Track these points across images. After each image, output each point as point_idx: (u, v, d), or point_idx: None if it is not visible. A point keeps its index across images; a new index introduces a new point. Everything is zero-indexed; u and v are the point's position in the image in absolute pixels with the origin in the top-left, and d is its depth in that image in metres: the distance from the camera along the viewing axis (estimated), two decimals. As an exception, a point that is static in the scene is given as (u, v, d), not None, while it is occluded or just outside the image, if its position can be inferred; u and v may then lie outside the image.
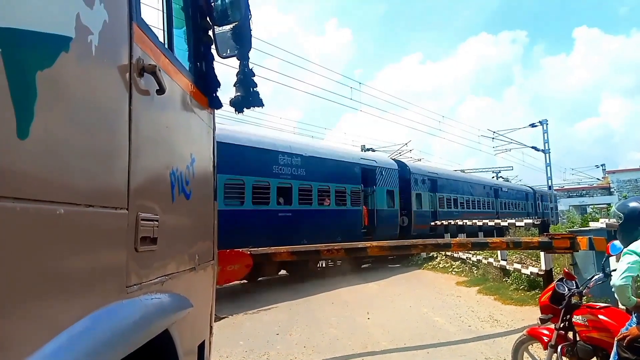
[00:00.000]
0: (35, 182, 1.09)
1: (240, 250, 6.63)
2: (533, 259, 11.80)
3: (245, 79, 2.93)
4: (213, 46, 2.82)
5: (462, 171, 35.64)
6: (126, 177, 1.55)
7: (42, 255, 1.11)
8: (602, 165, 59.76)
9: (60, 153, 1.20)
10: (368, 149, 34.99)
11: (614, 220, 3.56)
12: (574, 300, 3.83)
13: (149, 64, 1.72)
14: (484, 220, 15.50)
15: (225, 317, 7.32)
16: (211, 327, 2.95)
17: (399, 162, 21.25)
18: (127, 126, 1.57)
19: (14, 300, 1.01)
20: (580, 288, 3.88)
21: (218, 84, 2.78)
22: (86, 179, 1.33)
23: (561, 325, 3.82)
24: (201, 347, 2.54)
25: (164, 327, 1.77)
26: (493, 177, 42.48)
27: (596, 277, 3.89)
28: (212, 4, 2.72)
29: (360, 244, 8.24)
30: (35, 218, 1.08)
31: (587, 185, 59.54)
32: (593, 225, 9.75)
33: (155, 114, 1.91)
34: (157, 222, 1.79)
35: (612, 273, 3.51)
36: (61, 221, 1.17)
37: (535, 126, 38.19)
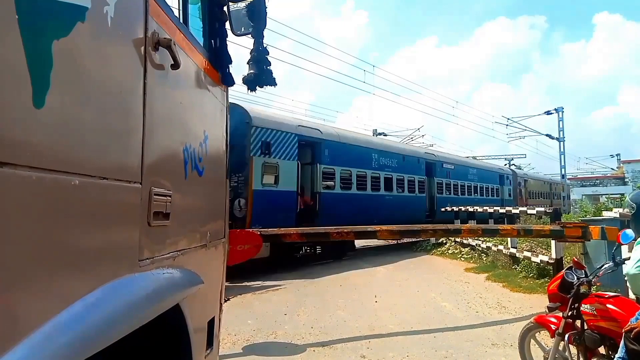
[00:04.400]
0: (50, 152, 1.09)
1: (250, 230, 6.67)
2: (543, 247, 11.75)
3: (259, 57, 2.91)
4: (227, 23, 2.80)
5: (474, 158, 36.61)
6: (140, 150, 1.55)
7: (57, 225, 1.12)
8: (617, 155, 59.00)
9: (75, 123, 1.20)
10: (380, 134, 34.86)
11: (627, 210, 3.54)
12: (582, 289, 3.80)
13: (164, 38, 1.71)
14: (495, 207, 15.62)
15: (227, 300, 7.38)
16: (221, 304, 2.98)
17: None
18: (142, 100, 1.57)
19: (28, 270, 1.02)
20: (590, 277, 3.85)
21: (230, 60, 2.76)
22: (100, 150, 1.33)
23: (569, 314, 3.79)
24: (211, 324, 2.56)
25: (175, 302, 1.78)
26: (505, 165, 42.33)
27: (606, 265, 3.85)
28: None
29: (370, 228, 8.22)
30: (50, 187, 1.08)
31: (600, 175, 58.86)
32: (606, 214, 9.65)
33: (169, 88, 1.90)
34: (169, 198, 1.80)
35: (626, 262, 3.48)
36: (76, 192, 1.17)
37: (551, 114, 37.68)
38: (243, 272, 10.09)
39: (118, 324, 1.32)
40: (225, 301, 3.92)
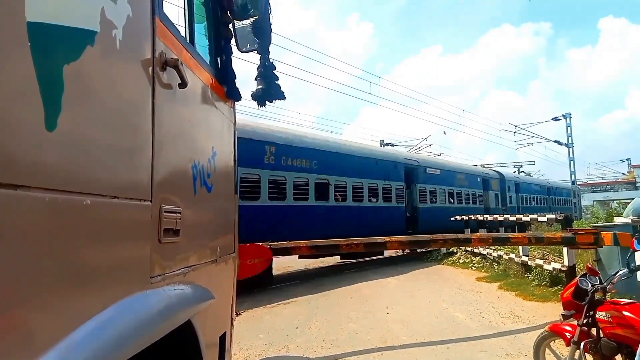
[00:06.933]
0: (63, 173, 1.12)
1: (260, 244, 6.67)
2: (556, 254, 11.63)
3: (266, 73, 2.94)
4: (233, 40, 2.85)
5: (483, 166, 36.12)
6: (150, 169, 1.58)
7: (70, 244, 1.14)
8: (627, 159, 58.56)
9: (87, 145, 1.23)
10: (387, 144, 34.90)
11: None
12: (597, 296, 3.76)
13: (171, 58, 1.74)
14: (505, 216, 15.53)
15: (238, 314, 7.36)
16: (232, 319, 2.98)
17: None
18: (151, 119, 1.60)
19: (43, 289, 1.03)
20: (604, 284, 3.81)
21: (235, 75, 2.80)
22: (111, 170, 1.36)
23: (584, 322, 3.75)
24: (222, 339, 2.57)
25: (186, 318, 1.79)
26: (514, 172, 42.08)
27: (620, 272, 3.80)
28: None
29: (380, 239, 8.18)
30: (63, 208, 1.10)
31: (611, 180, 58.37)
32: (618, 220, 9.53)
33: (177, 107, 1.93)
34: (179, 214, 1.82)
35: None
36: (88, 212, 1.19)
37: (558, 120, 37.65)
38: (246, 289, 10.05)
39: (131, 341, 1.33)
40: (237, 316, 3.92)
